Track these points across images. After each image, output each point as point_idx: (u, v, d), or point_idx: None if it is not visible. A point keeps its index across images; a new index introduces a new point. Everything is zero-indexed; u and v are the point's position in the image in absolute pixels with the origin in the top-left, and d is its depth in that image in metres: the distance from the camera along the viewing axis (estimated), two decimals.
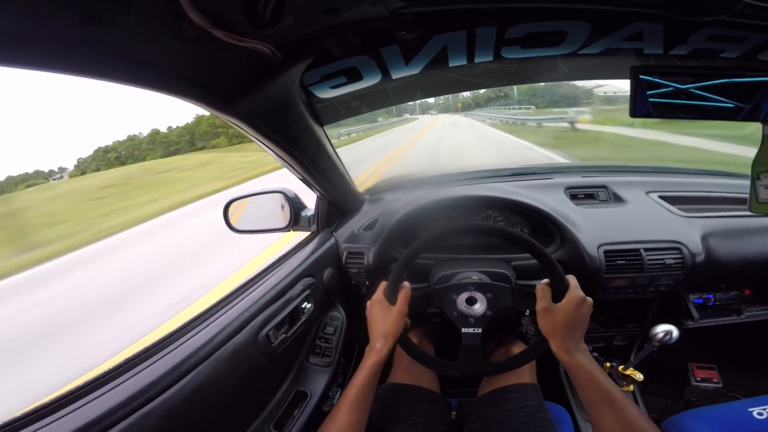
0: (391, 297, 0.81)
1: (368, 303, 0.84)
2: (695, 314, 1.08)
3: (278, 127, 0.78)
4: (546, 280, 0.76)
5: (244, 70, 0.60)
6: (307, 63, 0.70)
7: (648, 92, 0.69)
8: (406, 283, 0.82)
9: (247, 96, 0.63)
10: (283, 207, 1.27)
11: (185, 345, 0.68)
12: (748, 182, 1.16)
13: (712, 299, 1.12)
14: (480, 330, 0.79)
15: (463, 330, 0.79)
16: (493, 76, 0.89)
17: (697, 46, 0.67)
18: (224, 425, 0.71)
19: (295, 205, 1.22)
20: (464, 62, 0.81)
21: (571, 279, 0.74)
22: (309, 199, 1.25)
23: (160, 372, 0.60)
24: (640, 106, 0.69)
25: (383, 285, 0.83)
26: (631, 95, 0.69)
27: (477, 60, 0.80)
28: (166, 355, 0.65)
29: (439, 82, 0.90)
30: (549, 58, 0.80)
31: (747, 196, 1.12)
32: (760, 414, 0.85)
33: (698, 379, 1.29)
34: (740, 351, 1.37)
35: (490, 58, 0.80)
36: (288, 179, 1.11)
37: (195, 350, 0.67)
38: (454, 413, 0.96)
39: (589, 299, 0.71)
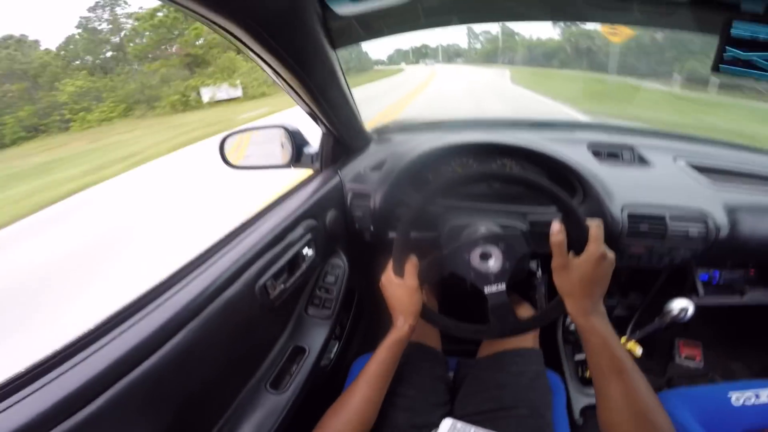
0: (399, 271, 0.75)
1: (380, 284, 0.80)
2: (701, 291, 1.05)
3: (284, 40, 0.63)
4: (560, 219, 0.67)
5: None
6: None
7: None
8: (412, 257, 0.76)
9: None
10: (283, 144, 1.16)
11: (172, 300, 0.61)
12: None
13: (718, 277, 1.08)
14: (504, 286, 0.73)
15: (486, 290, 0.73)
16: (552, 6, 0.72)
17: None
18: (218, 387, 0.67)
19: (297, 140, 1.10)
20: None
21: (594, 228, 0.63)
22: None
23: (146, 332, 0.54)
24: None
25: (391, 262, 0.78)
26: (718, 50, 0.58)
27: None
28: (150, 312, 0.58)
29: (483, 4, 0.74)
30: None
31: None
32: (738, 399, 0.86)
33: (683, 356, 1.31)
34: (726, 332, 1.38)
35: None
36: None
37: (183, 306, 0.59)
38: (451, 373, 0.95)
39: (611, 254, 0.63)
